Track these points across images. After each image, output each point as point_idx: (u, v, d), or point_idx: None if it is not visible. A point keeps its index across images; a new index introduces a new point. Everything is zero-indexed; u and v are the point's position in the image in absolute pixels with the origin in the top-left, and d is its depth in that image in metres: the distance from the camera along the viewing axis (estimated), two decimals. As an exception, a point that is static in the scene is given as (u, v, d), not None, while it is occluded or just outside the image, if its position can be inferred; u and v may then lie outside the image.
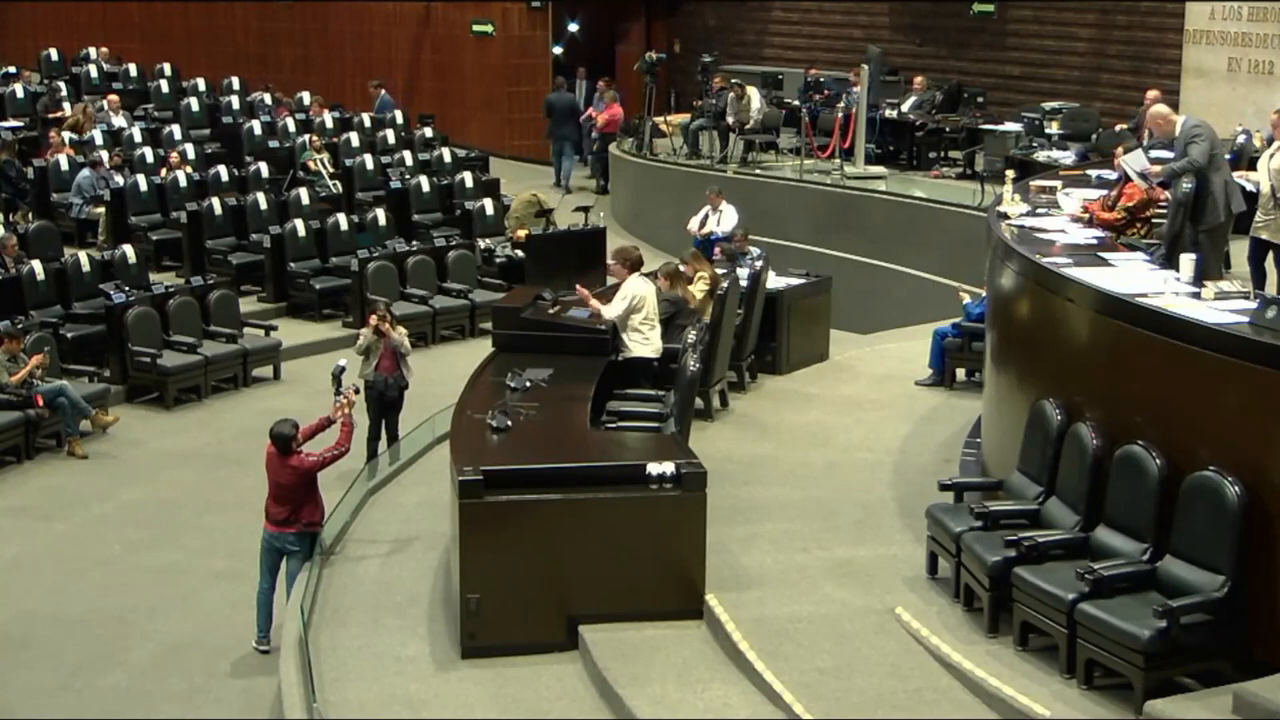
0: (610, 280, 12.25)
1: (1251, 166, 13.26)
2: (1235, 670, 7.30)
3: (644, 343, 11.21)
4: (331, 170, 21.52)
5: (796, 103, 22.42)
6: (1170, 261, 9.67)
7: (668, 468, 8.68)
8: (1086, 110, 20.69)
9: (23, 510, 13.03)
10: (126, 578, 11.74)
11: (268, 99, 25.06)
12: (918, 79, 22.85)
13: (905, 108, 22.16)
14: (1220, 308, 8.22)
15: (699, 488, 8.70)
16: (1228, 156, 14.54)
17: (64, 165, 20.44)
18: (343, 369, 11.00)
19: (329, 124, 23.68)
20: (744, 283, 13.07)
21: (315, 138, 22.04)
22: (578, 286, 11.63)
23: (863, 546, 9.59)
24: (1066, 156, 17.95)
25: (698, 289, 12.43)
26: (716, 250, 15.58)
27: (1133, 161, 10.95)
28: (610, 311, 11.14)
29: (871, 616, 8.61)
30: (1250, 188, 11.75)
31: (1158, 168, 10.61)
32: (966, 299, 13.52)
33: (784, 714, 7.75)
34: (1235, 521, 7.34)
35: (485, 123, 27.47)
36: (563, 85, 25.38)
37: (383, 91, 25.64)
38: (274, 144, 22.29)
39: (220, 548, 12.10)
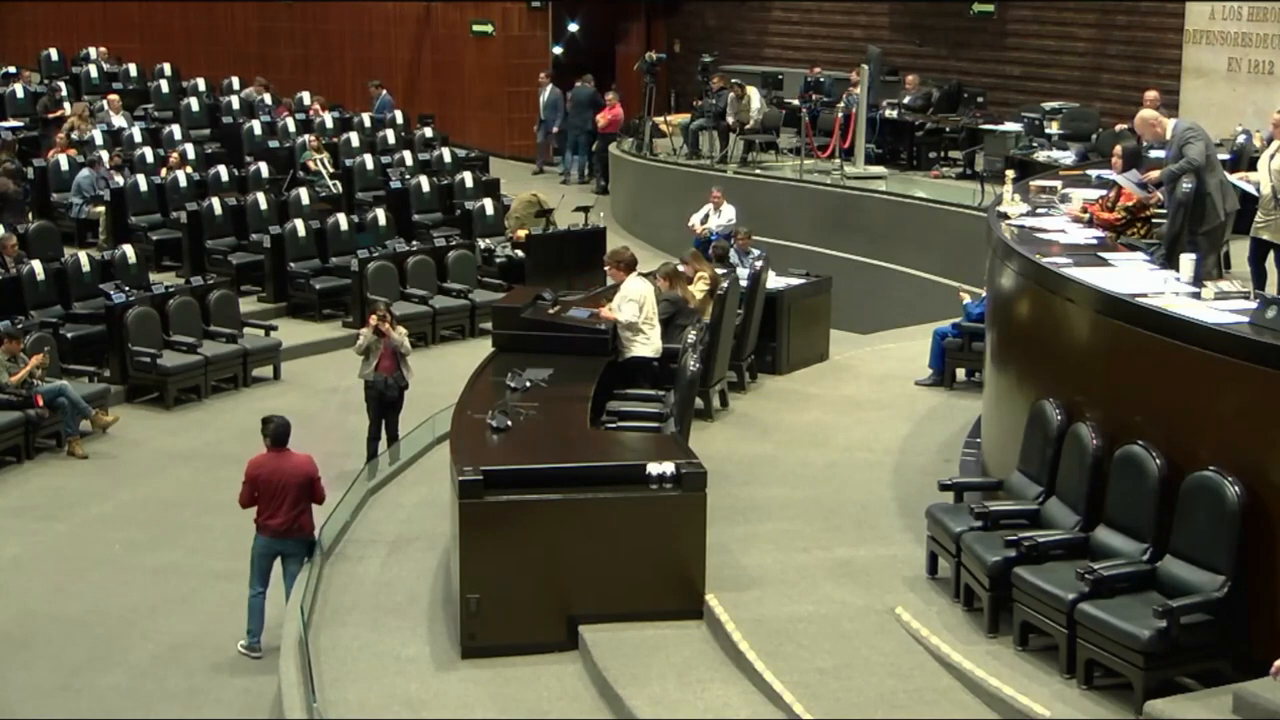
0: (610, 282, 12.24)
1: (1251, 167, 13.24)
2: (1235, 670, 7.30)
3: (644, 343, 11.22)
4: (331, 170, 21.51)
5: (796, 103, 22.41)
6: (1170, 261, 9.66)
7: (668, 468, 8.68)
8: (1086, 110, 20.68)
9: (23, 510, 13.03)
10: (126, 578, 11.74)
11: (267, 99, 25.03)
12: (910, 77, 22.82)
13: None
14: (1220, 308, 8.23)
15: (699, 488, 8.69)
16: (1228, 157, 14.63)
17: (64, 165, 20.44)
18: None
19: (329, 124, 23.68)
20: (744, 283, 13.07)
21: (315, 138, 22.04)
22: (601, 311, 11.43)
23: (863, 546, 9.59)
24: (1066, 156, 17.93)
25: (698, 289, 12.42)
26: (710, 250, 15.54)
27: (1130, 179, 10.92)
28: (624, 316, 11.12)
29: (871, 616, 8.61)
30: (1250, 189, 11.73)
31: (1155, 172, 10.59)
32: (966, 299, 13.51)
33: (784, 714, 7.75)
34: (1235, 521, 7.35)
35: (485, 123, 27.45)
36: (589, 80, 25.25)
37: (383, 91, 25.64)
38: (274, 144, 22.29)
39: (220, 548, 12.09)
